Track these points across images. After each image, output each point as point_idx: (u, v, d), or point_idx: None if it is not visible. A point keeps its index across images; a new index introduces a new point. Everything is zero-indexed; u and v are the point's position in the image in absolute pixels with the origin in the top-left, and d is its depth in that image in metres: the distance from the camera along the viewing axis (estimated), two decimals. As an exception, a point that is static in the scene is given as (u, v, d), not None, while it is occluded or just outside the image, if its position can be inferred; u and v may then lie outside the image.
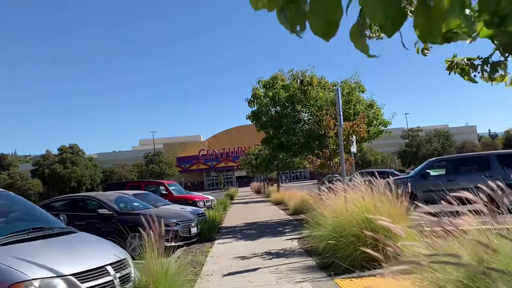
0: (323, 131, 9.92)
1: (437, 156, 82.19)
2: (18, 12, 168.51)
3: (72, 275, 4.25)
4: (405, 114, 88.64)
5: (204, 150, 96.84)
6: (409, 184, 7.02)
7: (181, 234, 10.26)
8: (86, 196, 11.68)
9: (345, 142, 8.75)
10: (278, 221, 14.80)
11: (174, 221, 10.32)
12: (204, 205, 16.93)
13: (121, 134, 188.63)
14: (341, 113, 7.68)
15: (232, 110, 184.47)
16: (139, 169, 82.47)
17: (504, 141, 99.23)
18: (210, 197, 22.68)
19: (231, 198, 37.03)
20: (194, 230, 10.74)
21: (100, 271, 4.54)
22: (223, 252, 9.27)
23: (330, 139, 9.24)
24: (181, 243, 10.24)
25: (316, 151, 10.06)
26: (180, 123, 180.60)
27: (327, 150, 9.15)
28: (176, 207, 13.42)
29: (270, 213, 18.33)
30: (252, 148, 34.84)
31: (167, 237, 10.28)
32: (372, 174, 18.90)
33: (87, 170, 69.78)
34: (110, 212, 10.40)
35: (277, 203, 24.38)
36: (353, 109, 12.07)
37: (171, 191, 16.97)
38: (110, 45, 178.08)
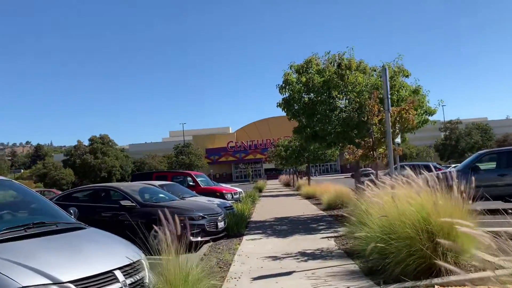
0: (366, 118, 8.88)
1: (477, 150, 78.53)
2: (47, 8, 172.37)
3: (72, 282, 3.50)
4: (442, 105, 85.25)
5: (232, 142, 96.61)
6: (472, 178, 5.94)
7: (207, 229, 9.53)
8: (108, 187, 11.10)
9: (392, 130, 7.71)
10: (311, 217, 13.86)
11: (200, 214, 9.57)
12: (232, 197, 16.19)
13: (152, 126, 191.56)
14: (389, 96, 6.64)
15: (261, 102, 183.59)
16: (169, 160, 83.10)
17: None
18: (238, 190, 21.95)
19: (260, 190, 36.27)
20: (221, 225, 9.97)
21: (106, 277, 3.77)
22: (252, 250, 8.45)
23: (374, 126, 8.19)
24: (207, 238, 9.51)
25: (357, 140, 9.01)
26: (209, 116, 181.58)
27: (370, 139, 8.12)
28: (203, 199, 12.70)
29: (301, 208, 17.40)
30: (282, 140, 33.86)
31: (192, 231, 9.59)
32: (414, 167, 17.51)
33: (117, 160, 70.71)
34: (133, 204, 9.76)
35: (308, 197, 23.40)
36: (397, 95, 10.93)
37: (199, 182, 16.31)
38: (141, 39, 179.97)
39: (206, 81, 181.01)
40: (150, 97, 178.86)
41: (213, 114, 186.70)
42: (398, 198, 5.82)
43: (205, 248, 8.98)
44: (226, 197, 15.91)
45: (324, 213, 14.71)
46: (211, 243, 9.48)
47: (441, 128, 76.33)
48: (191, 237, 9.15)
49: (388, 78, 6.64)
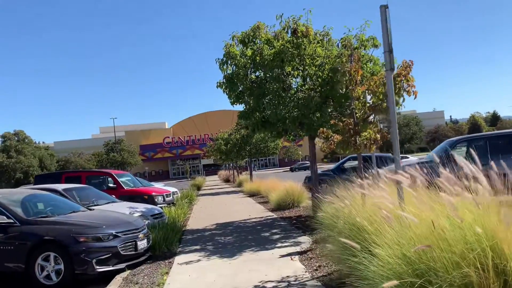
0: (344, 89, 6.58)
1: (409, 140, 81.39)
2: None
3: None
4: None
5: (169, 137, 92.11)
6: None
7: (121, 252, 6.73)
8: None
9: (379, 104, 5.45)
10: (260, 221, 11.44)
11: (111, 232, 6.74)
12: (164, 200, 13.36)
13: (82, 122, 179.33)
14: (391, 47, 4.34)
15: (199, 96, 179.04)
16: (99, 158, 77.12)
17: (469, 126, 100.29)
18: (172, 190, 19.02)
19: (198, 188, 33.45)
20: (143, 244, 7.19)
21: None
22: (186, 283, 5.81)
23: (356, 102, 5.90)
24: (122, 265, 6.72)
25: (332, 121, 6.67)
26: (144, 110, 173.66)
27: (351, 120, 5.80)
28: (121, 207, 9.80)
29: (246, 209, 14.95)
30: (222, 133, 31.24)
31: (99, 258, 6.76)
32: (370, 160, 15.39)
33: (35, 159, 63.38)
34: (10, 220, 6.70)
35: (252, 194, 21.05)
36: (365, 68, 8.80)
37: (121, 183, 13.27)
38: (68, 23, 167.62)
39: (140, 74, 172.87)
40: (79, 91, 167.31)
41: (148, 109, 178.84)
42: (429, 208, 3.49)
43: (116, 282, 6.18)
44: (156, 200, 13.06)
45: (275, 215, 12.37)
46: (127, 271, 6.69)
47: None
48: (97, 266, 6.34)
49: (389, 20, 4.32)
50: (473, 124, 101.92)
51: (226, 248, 8.00)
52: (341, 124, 5.83)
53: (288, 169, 72.50)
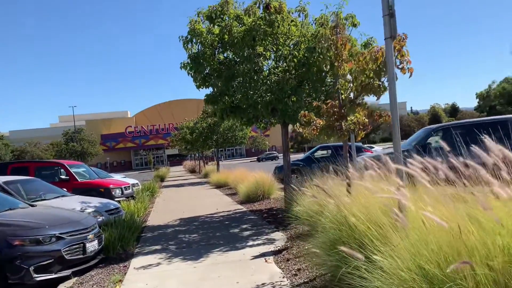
0: (327, 67, 5.75)
1: (374, 130, 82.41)
2: None
3: None
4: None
5: (131, 126, 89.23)
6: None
7: (66, 257, 5.72)
8: None
9: (369, 82, 4.68)
10: (229, 215, 10.60)
11: (54, 233, 5.70)
12: (123, 193, 12.23)
13: (39, 111, 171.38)
14: (393, 10, 3.56)
15: (163, 84, 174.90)
16: (58, 148, 73.65)
17: (430, 117, 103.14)
18: (132, 181, 17.84)
19: (162, 179, 32.22)
20: (93, 246, 6.18)
21: None
22: (143, 293, 4.90)
23: (342, 81, 5.09)
24: (68, 272, 5.72)
25: (315, 104, 5.85)
26: (106, 99, 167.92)
27: (336, 102, 4.99)
28: (72, 202, 8.71)
29: (213, 201, 14.06)
30: (187, 121, 30.02)
31: (39, 264, 5.68)
32: (336, 149, 14.60)
33: None
34: None
35: (219, 185, 20.16)
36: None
37: (74, 175, 12.02)
38: (22, 3, 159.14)
39: (100, 62, 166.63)
40: (36, 77, 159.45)
41: (110, 97, 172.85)
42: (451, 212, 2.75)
43: (59, 293, 5.18)
44: (113, 193, 11.92)
45: (244, 208, 11.56)
46: (73, 279, 5.68)
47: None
48: (35, 275, 5.32)
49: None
50: (434, 115, 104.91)
51: (191, 247, 7.11)
52: (324, 106, 5.03)
53: (255, 159, 71.89)
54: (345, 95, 5.11)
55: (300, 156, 23.11)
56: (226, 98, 8.78)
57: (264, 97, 8.59)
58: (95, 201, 9.10)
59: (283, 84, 7.71)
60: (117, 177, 21.51)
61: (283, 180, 16.33)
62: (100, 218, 8.50)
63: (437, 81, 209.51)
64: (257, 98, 8.56)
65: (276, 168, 16.74)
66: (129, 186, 12.94)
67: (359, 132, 4.95)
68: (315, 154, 16.72)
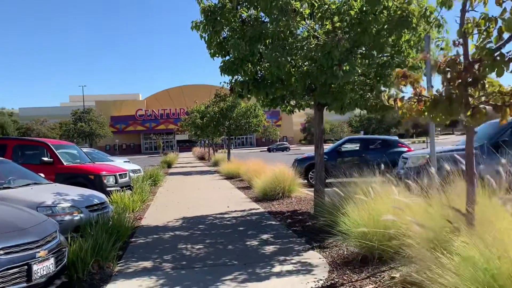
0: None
1: (396, 125, 78.92)
2: None
3: None
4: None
5: (142, 110, 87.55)
6: None
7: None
8: None
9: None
10: (243, 216, 8.53)
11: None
12: (116, 182, 10.20)
13: (50, 89, 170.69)
14: None
15: (176, 68, 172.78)
16: (66, 127, 72.36)
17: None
18: (133, 167, 15.93)
19: (169, 166, 30.33)
20: (44, 269, 4.07)
21: None
22: None
23: (470, 24, 2.95)
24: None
25: (424, 56, 3.75)
26: (118, 81, 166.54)
27: (457, 56, 2.80)
28: (43, 193, 6.72)
29: (224, 196, 12.00)
30: (198, 105, 27.94)
31: None
32: (367, 143, 12.25)
33: None
34: None
35: (230, 176, 18.13)
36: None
37: (60, 158, 10.02)
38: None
39: (114, 44, 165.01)
40: (49, 57, 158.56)
41: (122, 79, 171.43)
42: None
43: None
44: (105, 182, 9.90)
45: (261, 208, 9.49)
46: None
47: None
48: None
49: None
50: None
51: (193, 269, 5.04)
52: (440, 60, 2.82)
53: (266, 150, 69.83)
54: (480, 41, 2.91)
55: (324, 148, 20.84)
56: (250, 66, 6.63)
57: (300, 67, 6.43)
58: (74, 193, 7.07)
59: (331, 47, 5.52)
60: (119, 161, 19.57)
61: (306, 176, 14.35)
62: (78, 216, 6.50)
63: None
64: (291, 68, 6.41)
65: (296, 161, 14.61)
66: (125, 173, 10.89)
67: (505, 109, 2.76)
68: (342, 147, 14.53)
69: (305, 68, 6.32)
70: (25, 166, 9.76)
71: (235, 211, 9.24)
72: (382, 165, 7.20)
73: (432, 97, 2.83)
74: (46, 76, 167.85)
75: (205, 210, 9.41)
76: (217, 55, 7.42)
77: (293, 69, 6.42)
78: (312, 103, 8.17)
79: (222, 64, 6.71)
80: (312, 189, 12.08)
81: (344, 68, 5.66)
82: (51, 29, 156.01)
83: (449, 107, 2.69)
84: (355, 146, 14.65)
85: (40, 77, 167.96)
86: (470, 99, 2.74)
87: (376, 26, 5.73)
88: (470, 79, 2.69)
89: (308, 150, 58.01)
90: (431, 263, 3.01)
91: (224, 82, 8.10)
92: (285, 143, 74.49)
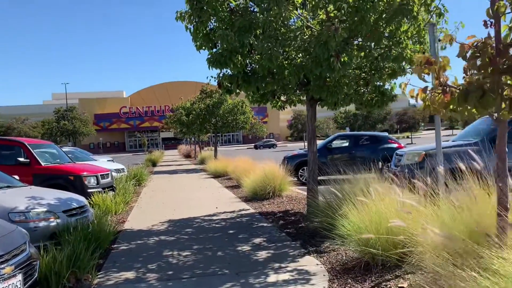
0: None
1: (382, 121, 79.16)
2: None
3: None
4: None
5: (126, 107, 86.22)
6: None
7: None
8: None
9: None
10: (233, 218, 8.10)
11: None
12: (98, 183, 9.66)
13: (32, 87, 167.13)
14: None
15: (160, 65, 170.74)
16: (49, 126, 70.75)
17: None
18: (116, 166, 15.37)
19: (154, 164, 29.67)
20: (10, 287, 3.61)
21: None
22: None
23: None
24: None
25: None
26: (101, 77, 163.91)
27: (490, 40, 2.44)
28: (15, 197, 6.19)
29: (212, 196, 11.56)
30: (183, 101, 27.35)
31: None
32: (357, 139, 12.05)
33: None
34: None
35: (217, 175, 17.67)
36: None
37: (36, 158, 9.43)
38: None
39: (98, 37, 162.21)
40: (29, 53, 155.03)
41: (106, 76, 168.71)
42: None
43: None
44: (86, 183, 9.36)
45: (251, 209, 9.07)
46: None
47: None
48: None
49: None
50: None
51: (180, 281, 4.59)
52: (467, 45, 2.42)
53: (253, 146, 69.43)
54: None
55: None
56: (239, 58, 6.18)
57: (293, 59, 6.02)
58: (51, 196, 6.55)
59: (327, 37, 5.12)
60: (102, 160, 18.95)
61: (296, 174, 13.99)
62: (55, 222, 5.99)
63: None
64: (283, 61, 6.00)
65: (286, 159, 14.22)
66: (108, 173, 10.35)
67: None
68: (332, 143, 14.20)
69: (298, 60, 5.92)
70: (1, 167, 9.19)
71: (224, 212, 8.81)
72: (377, 162, 6.92)
73: (461, 87, 2.44)
74: (28, 74, 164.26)
75: (192, 212, 8.96)
76: (203, 47, 6.97)
77: (286, 62, 6.00)
78: (305, 98, 7.81)
79: (209, 56, 6.24)
80: (303, 187, 11.74)
81: (342, 59, 5.26)
82: (34, 26, 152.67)
83: (481, 99, 2.32)
84: (345, 143, 14.34)
85: (22, 75, 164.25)
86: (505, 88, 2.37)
87: (373, 14, 5.35)
88: (505, 66, 2.32)
89: (295, 147, 57.83)
90: (451, 276, 2.64)
91: (211, 76, 7.63)
92: (272, 140, 74.19)
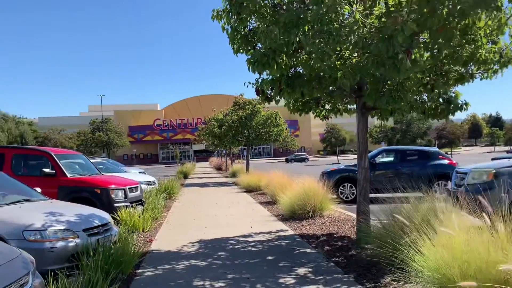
0: None
1: (422, 136, 75.96)
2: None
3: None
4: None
5: (159, 119, 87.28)
6: None
7: None
8: None
9: None
10: (270, 240, 7.22)
11: None
12: (126, 197, 9.04)
13: (70, 99, 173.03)
14: None
15: (193, 78, 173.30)
16: (84, 137, 72.34)
17: (470, 126, 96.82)
18: (147, 179, 14.85)
19: (185, 176, 29.22)
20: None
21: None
22: None
23: None
24: None
25: None
26: (136, 91, 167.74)
27: None
28: (32, 212, 5.59)
29: (245, 213, 10.74)
30: (216, 113, 26.84)
31: None
32: (405, 154, 10.82)
33: (4, 133, 56.37)
34: None
35: (250, 189, 16.85)
36: None
37: (63, 169, 8.90)
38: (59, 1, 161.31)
39: (134, 54, 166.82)
40: (67, 65, 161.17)
41: (141, 89, 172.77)
42: None
43: None
44: (113, 197, 8.74)
45: (290, 230, 8.18)
46: None
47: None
48: None
49: None
50: (474, 124, 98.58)
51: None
52: None
53: (284, 160, 68.41)
54: None
55: (352, 160, 19.20)
56: (284, 58, 5.39)
57: (348, 58, 5.17)
58: (71, 212, 5.91)
59: (393, 31, 4.25)
60: (133, 171, 18.57)
61: (336, 190, 12.94)
62: (73, 242, 5.33)
63: (479, 91, 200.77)
64: (336, 61, 5.15)
65: (324, 174, 13.25)
66: (136, 186, 9.73)
67: None
68: (376, 158, 13.12)
69: (354, 60, 5.06)
70: (25, 178, 8.72)
71: (260, 233, 7.95)
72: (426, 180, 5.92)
73: None
74: (67, 87, 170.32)
75: (225, 231, 8.16)
76: (241, 50, 6.24)
77: (339, 62, 5.15)
78: (354, 106, 6.92)
79: (250, 57, 5.47)
80: (345, 205, 10.76)
81: (416, 54, 4.37)
82: (72, 42, 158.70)
83: None
84: (391, 158, 13.24)
85: (61, 87, 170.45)
86: None
87: (448, 4, 4.44)
88: None
89: (328, 161, 56.44)
90: None
91: (249, 82, 6.89)
92: (304, 153, 72.96)
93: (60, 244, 5.21)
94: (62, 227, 5.37)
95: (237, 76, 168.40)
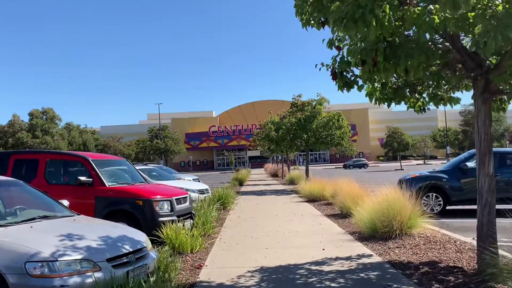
0: None
1: (499, 138, 69.85)
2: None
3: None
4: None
5: (215, 126, 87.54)
6: None
7: None
8: None
9: None
10: (351, 271, 5.44)
11: None
12: (173, 209, 7.62)
13: (131, 108, 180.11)
14: None
15: (247, 85, 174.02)
16: (143, 144, 73.93)
17: None
18: (198, 187, 13.55)
19: (241, 183, 27.90)
20: None
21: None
22: None
23: None
24: None
25: None
26: (192, 99, 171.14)
27: None
28: (43, 236, 4.28)
29: (312, 229, 9.00)
30: (272, 116, 25.29)
31: None
32: (504, 158, 7.96)
33: (64, 141, 58.35)
34: None
35: (312, 199, 15.04)
36: None
37: (101, 176, 7.65)
38: (118, 10, 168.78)
39: (192, 62, 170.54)
40: (129, 76, 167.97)
41: (197, 97, 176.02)
42: None
43: None
44: (157, 210, 7.39)
45: (374, 255, 6.35)
46: None
47: (461, 112, 69.54)
48: None
49: None
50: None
51: None
52: None
53: (341, 166, 65.52)
54: None
55: (439, 165, 16.75)
56: (388, 11, 3.65)
57: (472, 23, 3.36)
58: (95, 234, 4.54)
59: None
60: (187, 178, 17.48)
61: (422, 202, 10.87)
62: (91, 278, 3.93)
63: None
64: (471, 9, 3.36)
65: (403, 181, 11.16)
66: (185, 197, 8.32)
67: None
68: (468, 163, 10.87)
69: (499, 6, 3.23)
70: (60, 188, 7.63)
71: (337, 258, 6.20)
72: None
73: None
74: (129, 96, 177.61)
75: (291, 255, 6.49)
76: (311, 22, 4.66)
77: (473, 13, 3.35)
78: (460, 93, 5.07)
79: (333, 12, 3.78)
80: (434, 220, 8.69)
81: None
82: (134, 57, 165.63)
83: None
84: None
85: (123, 97, 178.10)
86: None
87: None
88: None
89: (389, 167, 52.81)
90: None
91: (321, 64, 5.25)
92: (363, 159, 69.50)
93: (74, 281, 3.84)
94: (79, 257, 4.00)
95: (289, 83, 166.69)
